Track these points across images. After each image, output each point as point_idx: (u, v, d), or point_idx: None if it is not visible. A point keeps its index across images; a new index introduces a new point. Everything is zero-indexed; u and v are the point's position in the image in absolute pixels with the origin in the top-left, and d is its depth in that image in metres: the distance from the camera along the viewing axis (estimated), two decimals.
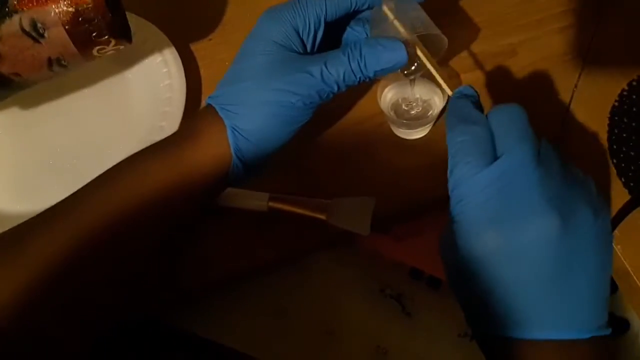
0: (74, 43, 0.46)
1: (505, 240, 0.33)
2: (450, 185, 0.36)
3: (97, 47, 0.48)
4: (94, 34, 0.47)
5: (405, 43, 0.41)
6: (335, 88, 0.41)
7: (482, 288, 0.34)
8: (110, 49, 0.49)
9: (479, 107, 0.39)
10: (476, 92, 0.39)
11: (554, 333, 0.34)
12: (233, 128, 0.40)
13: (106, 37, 0.47)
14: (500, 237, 0.33)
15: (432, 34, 0.42)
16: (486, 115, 0.37)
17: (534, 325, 0.34)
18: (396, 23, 0.42)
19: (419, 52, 0.42)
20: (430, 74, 0.51)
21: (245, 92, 0.41)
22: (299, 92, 0.40)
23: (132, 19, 0.56)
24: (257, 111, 0.40)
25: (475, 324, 0.37)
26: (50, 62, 0.47)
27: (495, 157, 0.35)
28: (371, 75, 0.41)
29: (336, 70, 0.40)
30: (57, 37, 0.46)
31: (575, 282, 0.33)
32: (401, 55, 0.41)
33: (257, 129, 0.40)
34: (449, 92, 0.40)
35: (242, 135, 0.40)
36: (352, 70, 0.41)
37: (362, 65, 0.40)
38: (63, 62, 0.47)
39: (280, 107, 0.40)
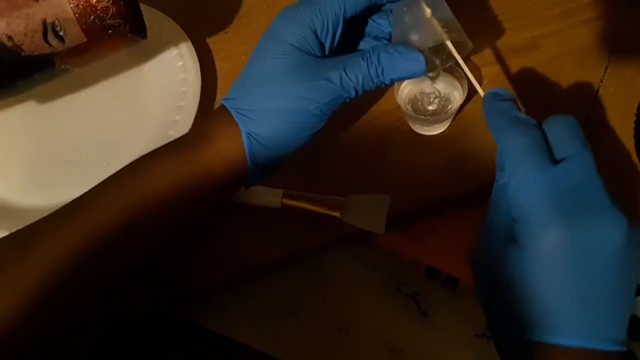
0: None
1: (575, 236, 0.33)
2: (512, 184, 0.35)
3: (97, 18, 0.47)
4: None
5: (426, 52, 0.40)
6: (353, 94, 0.41)
7: (524, 288, 0.34)
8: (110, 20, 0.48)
9: (521, 109, 0.39)
10: (510, 93, 0.40)
11: (582, 341, 0.34)
12: (248, 133, 0.40)
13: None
14: (570, 233, 0.33)
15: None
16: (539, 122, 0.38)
17: (564, 330, 0.34)
18: (434, 23, 0.41)
19: (455, 55, 0.41)
20: (450, 68, 0.50)
21: (261, 97, 0.40)
22: (317, 98, 0.39)
23: (148, 12, 0.57)
24: (274, 117, 0.40)
25: (499, 325, 0.37)
26: (45, 27, 0.46)
27: (554, 162, 0.35)
28: (387, 82, 0.41)
29: (355, 76, 0.40)
30: None
31: (619, 292, 0.34)
32: (419, 66, 0.40)
33: (273, 135, 0.40)
34: (482, 93, 0.40)
35: (257, 141, 0.40)
36: (371, 76, 0.40)
37: (379, 71, 0.40)
38: (59, 30, 0.46)
39: (297, 113, 0.40)
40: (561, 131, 0.36)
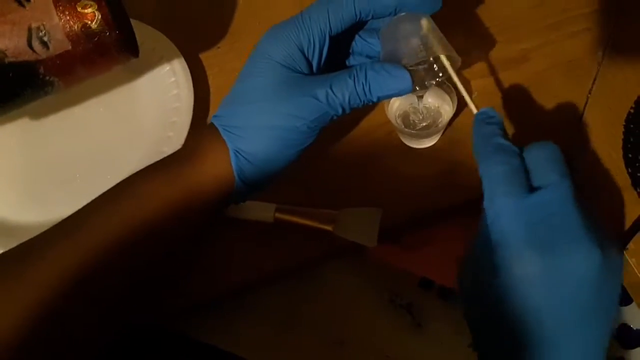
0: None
1: (548, 267, 0.33)
2: (490, 213, 0.36)
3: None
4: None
5: (413, 70, 0.40)
6: (340, 111, 0.41)
7: (507, 314, 0.35)
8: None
9: (506, 134, 0.39)
10: (499, 115, 0.40)
11: None
12: (236, 150, 0.40)
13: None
14: (542, 262, 0.33)
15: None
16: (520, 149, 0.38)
17: (547, 355, 0.34)
18: (424, 39, 0.41)
19: (449, 70, 0.41)
20: (441, 82, 0.50)
21: (249, 115, 0.40)
22: (304, 116, 0.40)
23: (140, 28, 0.57)
24: (261, 134, 0.40)
25: (485, 350, 0.37)
26: (30, 32, 0.46)
27: (532, 189, 0.35)
28: (374, 100, 0.41)
29: (342, 93, 0.40)
30: (42, 3, 0.46)
31: (601, 315, 0.34)
32: (406, 84, 0.40)
33: (260, 152, 0.40)
34: (474, 111, 0.40)
35: (244, 158, 0.40)
36: (357, 94, 0.40)
37: (366, 89, 0.40)
38: (43, 35, 0.46)
39: (284, 131, 0.40)
40: (540, 159, 0.37)
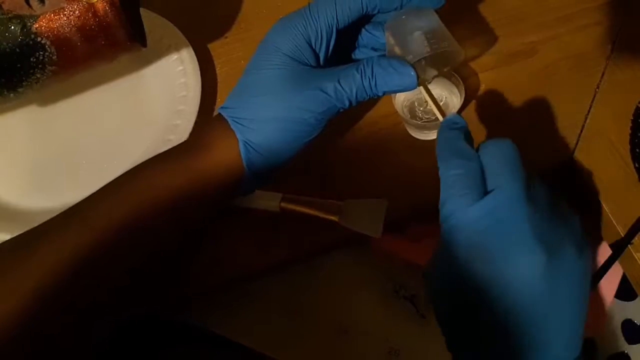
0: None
1: (491, 273, 0.34)
2: (441, 216, 0.36)
3: None
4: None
5: (417, 63, 0.41)
6: (347, 104, 0.41)
7: (465, 318, 0.35)
8: None
9: (469, 138, 0.39)
10: (464, 121, 0.40)
11: None
12: (245, 142, 0.41)
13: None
14: (487, 270, 0.34)
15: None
16: (477, 148, 0.38)
17: (510, 356, 0.34)
18: (436, 33, 0.41)
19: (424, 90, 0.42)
20: (447, 73, 0.51)
21: (258, 107, 0.41)
22: (312, 109, 0.40)
23: (149, 17, 0.57)
24: (269, 126, 0.41)
25: (454, 350, 0.38)
26: None
27: (486, 192, 0.35)
28: (380, 94, 0.41)
29: (349, 87, 0.40)
30: None
31: (555, 319, 0.34)
32: (411, 80, 0.41)
33: (269, 144, 0.41)
34: (440, 118, 0.41)
35: (254, 149, 0.41)
36: (364, 88, 0.41)
37: (372, 84, 0.40)
38: None
39: (293, 123, 0.40)
40: (493, 160, 0.37)
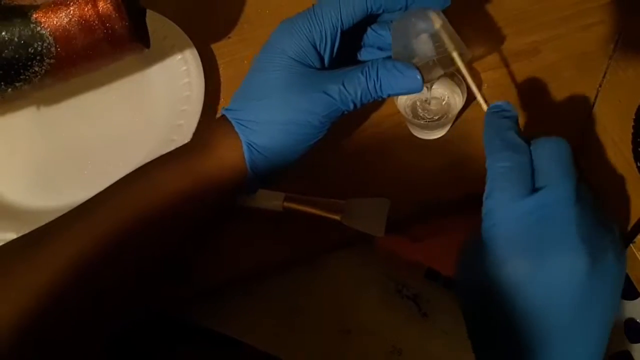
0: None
1: (534, 270, 0.33)
2: (485, 208, 0.36)
3: None
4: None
5: (423, 67, 0.40)
6: (352, 107, 0.41)
7: (499, 314, 0.35)
8: None
9: (519, 130, 0.38)
10: (515, 111, 0.39)
11: None
12: (249, 144, 0.41)
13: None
14: (530, 267, 0.33)
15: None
16: (528, 144, 0.37)
17: (541, 357, 0.34)
18: (442, 34, 0.41)
19: (462, 69, 0.41)
20: (450, 72, 0.50)
21: (262, 109, 0.41)
22: (316, 111, 0.40)
23: (152, 17, 0.57)
24: (274, 129, 0.41)
25: (481, 348, 0.38)
26: None
27: (533, 188, 0.35)
28: (384, 96, 0.41)
29: (354, 89, 0.40)
30: None
31: (590, 322, 0.34)
32: (417, 84, 0.40)
33: (273, 146, 0.41)
34: (484, 106, 0.40)
35: (257, 151, 0.41)
36: (369, 90, 0.40)
37: (377, 86, 0.40)
38: None
39: (297, 125, 0.40)
40: (545, 157, 0.36)
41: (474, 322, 0.38)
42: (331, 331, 0.49)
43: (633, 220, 0.45)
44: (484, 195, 0.36)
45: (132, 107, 0.57)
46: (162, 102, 0.56)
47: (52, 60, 0.49)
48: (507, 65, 0.55)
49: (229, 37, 0.60)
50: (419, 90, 0.41)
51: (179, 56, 0.57)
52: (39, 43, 0.48)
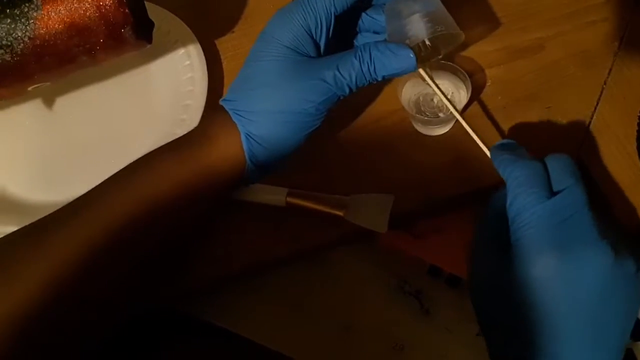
0: None
1: (565, 266, 0.35)
2: (511, 212, 0.37)
3: None
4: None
5: (416, 47, 0.41)
6: (347, 91, 0.41)
7: (523, 310, 0.36)
8: None
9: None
10: (514, 141, 0.42)
11: None
12: (247, 134, 0.41)
13: None
14: (560, 263, 0.35)
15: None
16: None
17: (559, 352, 0.35)
18: (435, 15, 0.41)
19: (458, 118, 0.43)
20: (451, 67, 0.50)
21: (258, 99, 0.41)
22: (312, 99, 0.40)
23: (156, 11, 0.57)
24: (271, 118, 0.41)
25: (500, 349, 0.38)
26: None
27: (552, 192, 0.37)
28: (379, 78, 0.42)
29: (348, 73, 0.40)
30: None
31: (608, 320, 0.35)
32: (410, 62, 0.41)
33: (270, 135, 0.41)
34: (487, 153, 0.42)
35: (255, 141, 0.41)
36: (363, 73, 0.41)
37: (371, 69, 0.41)
38: None
39: (294, 114, 0.41)
40: (556, 168, 0.38)
41: (489, 319, 0.39)
42: (333, 327, 0.49)
43: (638, 218, 0.45)
44: (507, 202, 0.38)
45: (135, 101, 0.57)
46: (165, 96, 0.56)
47: (36, 24, 0.46)
48: (511, 62, 0.55)
49: (233, 32, 0.60)
50: (413, 69, 0.41)
51: (182, 51, 0.56)
52: (26, 4, 0.46)
